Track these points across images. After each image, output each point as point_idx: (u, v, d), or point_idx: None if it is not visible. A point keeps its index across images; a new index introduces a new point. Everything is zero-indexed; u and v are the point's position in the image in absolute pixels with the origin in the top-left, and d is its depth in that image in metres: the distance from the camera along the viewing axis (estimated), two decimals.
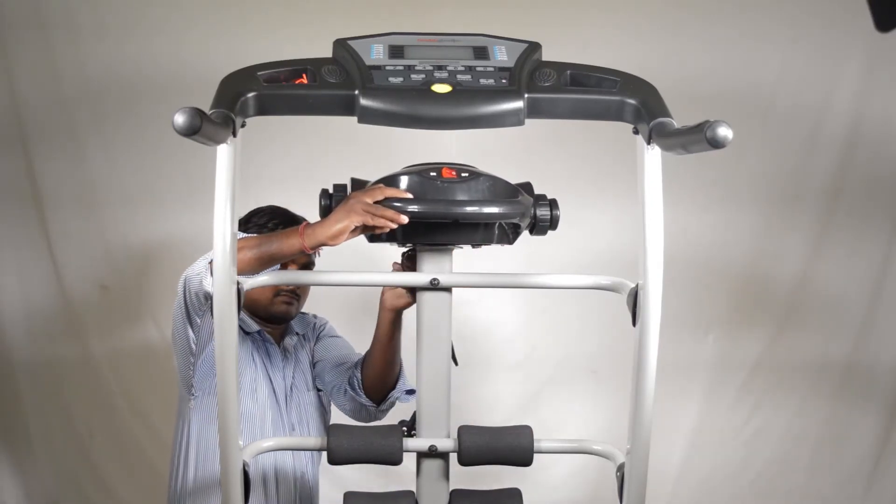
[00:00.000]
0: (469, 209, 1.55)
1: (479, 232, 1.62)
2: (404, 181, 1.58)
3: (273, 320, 2.23)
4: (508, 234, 1.67)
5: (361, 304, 2.58)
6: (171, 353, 2.11)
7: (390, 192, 1.58)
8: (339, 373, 2.23)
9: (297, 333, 2.30)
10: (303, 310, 2.31)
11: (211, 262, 1.85)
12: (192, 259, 1.91)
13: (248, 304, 2.22)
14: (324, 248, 1.74)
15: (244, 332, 2.20)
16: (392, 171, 1.65)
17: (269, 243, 1.75)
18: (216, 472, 2.12)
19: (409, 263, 1.86)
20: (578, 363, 3.26)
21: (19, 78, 3.03)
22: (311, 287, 2.27)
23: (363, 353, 2.17)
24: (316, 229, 1.67)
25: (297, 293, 2.22)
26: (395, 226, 1.56)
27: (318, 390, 2.29)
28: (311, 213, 1.81)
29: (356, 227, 1.62)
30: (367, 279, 1.85)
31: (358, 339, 2.44)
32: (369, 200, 1.59)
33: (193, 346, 2.05)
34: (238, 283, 1.42)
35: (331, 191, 1.70)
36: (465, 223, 1.59)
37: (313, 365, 2.31)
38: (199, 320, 1.99)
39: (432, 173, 1.58)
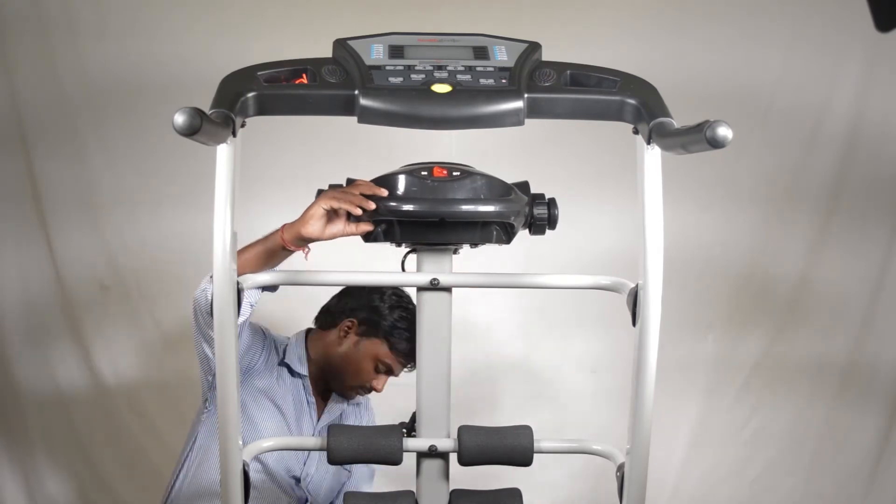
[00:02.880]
0: (454, 208, 1.54)
1: (475, 231, 1.61)
2: (396, 180, 1.58)
3: (336, 392, 2.31)
4: (504, 234, 1.66)
5: None
6: (171, 352, 2.11)
7: (366, 189, 1.58)
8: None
9: (353, 404, 2.36)
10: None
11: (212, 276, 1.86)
12: (191, 259, 1.92)
13: (336, 367, 2.27)
14: (310, 243, 1.76)
15: (289, 369, 2.24)
16: (386, 171, 1.65)
17: (256, 245, 1.81)
18: (208, 483, 2.13)
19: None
20: (578, 363, 3.25)
21: (19, 78, 3.03)
22: (311, 288, 2.27)
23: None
24: (293, 224, 1.71)
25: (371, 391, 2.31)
26: (359, 212, 1.56)
27: None
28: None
29: (326, 212, 1.63)
30: (367, 279, 1.86)
31: None
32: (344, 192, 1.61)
33: (212, 365, 2.06)
34: (238, 283, 1.42)
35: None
36: (459, 222, 1.58)
37: None
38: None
39: (423, 172, 1.58)
